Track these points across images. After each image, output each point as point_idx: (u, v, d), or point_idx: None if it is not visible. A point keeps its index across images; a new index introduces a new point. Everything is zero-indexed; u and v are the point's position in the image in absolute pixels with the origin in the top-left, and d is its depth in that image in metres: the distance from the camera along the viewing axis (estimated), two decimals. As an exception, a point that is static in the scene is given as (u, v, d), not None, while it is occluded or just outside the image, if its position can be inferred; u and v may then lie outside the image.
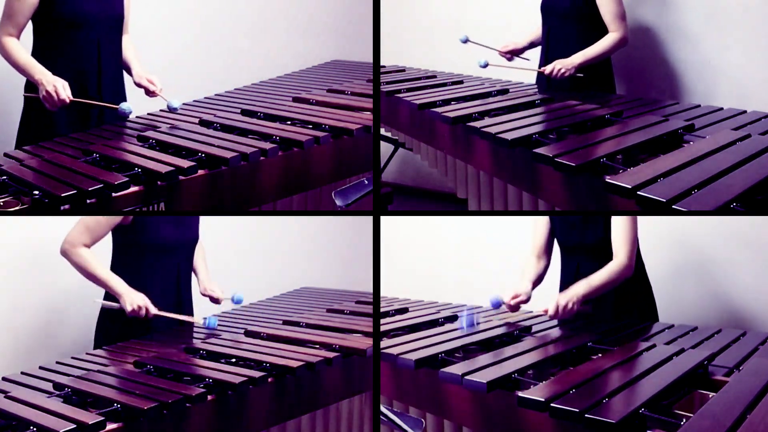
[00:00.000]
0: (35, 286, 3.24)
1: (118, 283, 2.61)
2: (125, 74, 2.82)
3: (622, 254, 2.64)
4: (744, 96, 3.15)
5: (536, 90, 3.13)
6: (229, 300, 2.99)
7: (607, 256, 2.70)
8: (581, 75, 3.03)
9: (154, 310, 2.61)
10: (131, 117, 2.67)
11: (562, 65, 3.01)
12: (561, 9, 3.10)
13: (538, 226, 2.91)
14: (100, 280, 2.63)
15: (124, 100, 2.77)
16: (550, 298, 2.66)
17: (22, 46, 2.59)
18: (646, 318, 2.79)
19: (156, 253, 2.71)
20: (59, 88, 2.47)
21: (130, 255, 2.70)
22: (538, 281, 2.87)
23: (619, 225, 2.66)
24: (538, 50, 3.29)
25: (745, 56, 3.22)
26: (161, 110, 2.79)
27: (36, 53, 2.62)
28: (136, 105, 2.78)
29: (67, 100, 2.48)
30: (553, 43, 3.15)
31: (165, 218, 2.71)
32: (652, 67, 3.46)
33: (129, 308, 2.57)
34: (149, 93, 2.76)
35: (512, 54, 3.29)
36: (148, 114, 2.76)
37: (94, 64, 2.65)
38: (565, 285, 2.84)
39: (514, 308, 2.74)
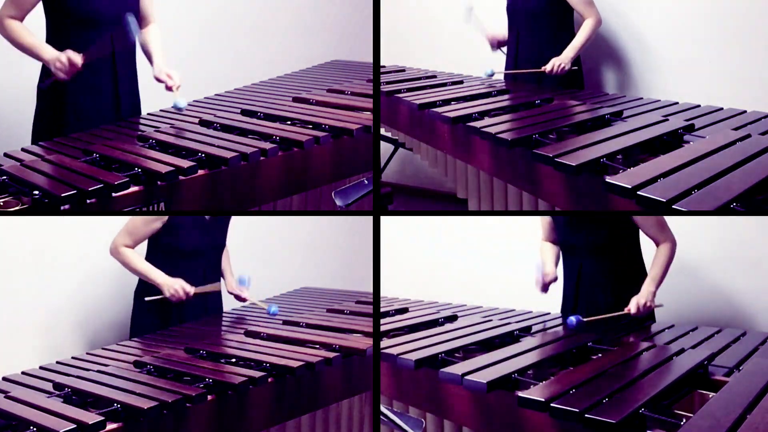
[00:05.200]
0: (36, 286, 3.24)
1: (157, 275, 2.82)
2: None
3: (663, 238, 2.70)
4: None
5: (535, 90, 3.14)
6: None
7: (611, 255, 2.72)
8: (576, 68, 3.20)
9: (191, 290, 2.83)
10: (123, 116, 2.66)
11: (560, 61, 3.14)
12: (531, 10, 3.22)
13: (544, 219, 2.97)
14: (141, 273, 2.84)
15: (138, 98, 2.78)
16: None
17: (26, 28, 2.54)
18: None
19: (183, 257, 2.88)
20: (69, 57, 2.43)
21: (160, 257, 2.87)
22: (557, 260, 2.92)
23: (644, 216, 2.69)
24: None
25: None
26: (162, 110, 2.79)
27: None
28: (146, 101, 2.81)
29: (79, 62, 2.45)
30: (523, 45, 3.26)
31: (193, 224, 2.88)
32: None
33: (168, 293, 2.79)
34: (167, 88, 2.73)
35: (499, 44, 3.38)
36: (148, 114, 2.76)
37: (108, 62, 2.63)
38: (568, 285, 2.85)
39: (545, 288, 2.77)
